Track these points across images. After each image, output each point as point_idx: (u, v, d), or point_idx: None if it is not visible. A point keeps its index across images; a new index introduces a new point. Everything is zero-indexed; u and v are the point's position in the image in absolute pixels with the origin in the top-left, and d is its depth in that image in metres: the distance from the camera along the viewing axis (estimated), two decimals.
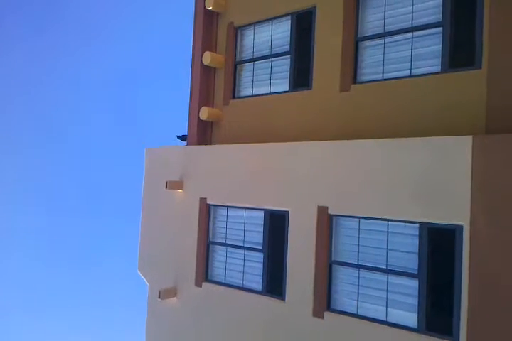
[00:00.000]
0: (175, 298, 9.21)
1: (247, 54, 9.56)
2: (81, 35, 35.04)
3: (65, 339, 29.60)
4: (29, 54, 32.39)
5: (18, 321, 29.10)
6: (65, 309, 30.49)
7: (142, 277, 9.94)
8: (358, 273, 7.03)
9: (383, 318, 6.66)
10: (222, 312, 8.44)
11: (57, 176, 33.86)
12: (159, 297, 9.00)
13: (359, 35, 7.79)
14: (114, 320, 31.72)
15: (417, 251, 6.39)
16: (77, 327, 29.66)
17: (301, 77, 8.56)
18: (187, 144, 9.96)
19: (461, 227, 5.95)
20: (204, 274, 8.98)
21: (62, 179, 33.81)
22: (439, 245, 6.26)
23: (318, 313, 7.16)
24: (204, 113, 9.58)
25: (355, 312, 6.95)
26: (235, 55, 9.71)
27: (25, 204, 32.20)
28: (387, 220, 6.71)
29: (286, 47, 8.81)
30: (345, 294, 7.15)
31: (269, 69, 9.15)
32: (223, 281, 8.74)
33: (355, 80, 7.78)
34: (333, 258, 7.26)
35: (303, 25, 8.57)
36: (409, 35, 7.20)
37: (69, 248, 32.18)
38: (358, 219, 7.07)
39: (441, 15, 6.87)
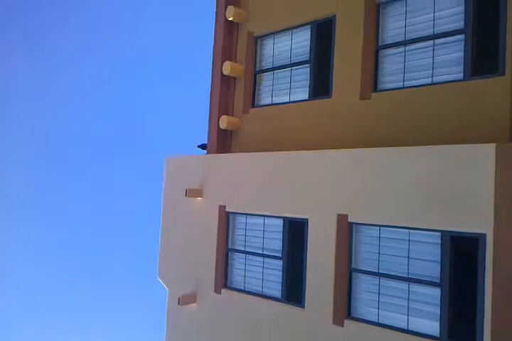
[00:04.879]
0: (194, 305, 9.23)
1: (267, 63, 9.64)
2: (98, 46, 35.57)
3: None
4: (37, 58, 32.90)
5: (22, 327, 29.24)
6: (78, 318, 30.58)
7: (162, 283, 9.99)
8: (379, 282, 6.98)
9: (404, 327, 6.59)
10: (242, 318, 8.42)
11: (74, 186, 34.20)
12: (179, 303, 9.03)
13: (380, 44, 7.81)
14: (132, 326, 31.78)
15: (440, 259, 6.33)
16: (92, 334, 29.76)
17: (320, 86, 8.60)
18: (207, 153, 10.04)
19: (484, 236, 5.88)
20: (223, 281, 8.99)
21: (78, 189, 34.12)
22: (461, 253, 6.20)
23: (338, 321, 7.12)
24: (224, 122, 9.66)
25: (376, 321, 6.89)
26: (255, 64, 9.80)
27: (37, 212, 32.54)
28: (409, 228, 6.67)
29: (306, 56, 8.87)
30: (365, 302, 7.10)
31: (289, 78, 9.21)
32: (242, 288, 8.74)
33: (375, 88, 7.80)
34: (353, 266, 7.23)
35: (323, 33, 8.63)
36: (431, 42, 7.21)
37: (84, 256, 32.39)
38: (378, 228, 7.04)
39: (463, 23, 6.87)
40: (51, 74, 33.42)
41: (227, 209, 9.03)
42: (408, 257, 6.70)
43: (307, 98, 8.79)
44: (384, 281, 6.93)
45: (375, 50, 7.83)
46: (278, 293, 8.14)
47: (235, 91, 10.06)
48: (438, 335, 6.24)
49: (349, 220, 7.22)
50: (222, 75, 9.89)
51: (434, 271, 6.40)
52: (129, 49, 37.69)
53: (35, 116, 34.07)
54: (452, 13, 7.02)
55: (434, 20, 7.18)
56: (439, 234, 6.37)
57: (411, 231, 6.68)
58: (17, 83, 32.04)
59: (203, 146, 10.77)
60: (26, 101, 32.45)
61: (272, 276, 8.34)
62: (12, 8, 31.31)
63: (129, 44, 37.63)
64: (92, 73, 34.91)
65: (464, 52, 6.83)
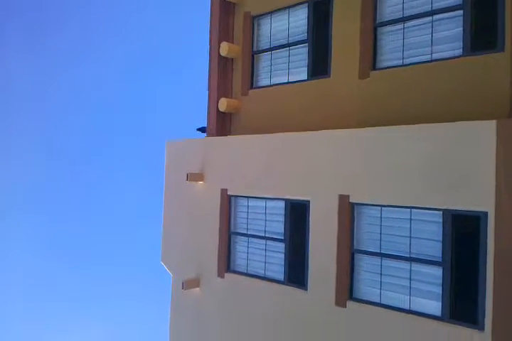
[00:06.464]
0: (198, 289, 9.27)
1: (265, 43, 9.50)
2: (96, 27, 35.13)
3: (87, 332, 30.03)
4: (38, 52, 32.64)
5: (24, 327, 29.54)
6: (83, 307, 30.90)
7: (166, 268, 10.04)
8: (381, 262, 6.96)
9: (406, 307, 6.59)
10: (245, 302, 8.47)
11: (73, 170, 34.25)
12: (182, 287, 9.08)
13: (377, 21, 7.66)
14: (136, 311, 32.15)
15: (441, 238, 6.29)
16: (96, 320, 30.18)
17: (319, 65, 8.48)
18: (207, 136, 9.97)
19: (485, 214, 5.83)
20: (226, 265, 9.00)
21: (78, 173, 34.16)
22: (463, 232, 6.15)
23: (340, 302, 7.13)
24: (223, 104, 9.58)
25: (378, 301, 6.89)
26: (252, 45, 9.66)
27: (37, 203, 32.65)
28: (410, 208, 6.61)
29: (304, 36, 8.72)
30: (367, 283, 7.10)
31: (287, 58, 9.08)
32: (245, 271, 8.75)
33: (374, 67, 7.68)
34: (355, 247, 7.20)
35: (320, 12, 8.47)
36: (429, 19, 7.06)
37: (80, 245, 32.60)
38: (379, 208, 6.99)
39: None
40: (51, 74, 33.26)
41: (228, 193, 9.00)
42: (410, 237, 6.66)
43: (306, 78, 8.68)
44: (386, 261, 6.91)
45: (373, 27, 7.68)
46: (281, 276, 8.14)
47: (233, 73, 9.94)
48: (440, 315, 6.23)
49: (350, 201, 7.17)
50: (220, 57, 9.77)
51: (435, 250, 6.37)
52: (127, 31, 37.28)
53: (35, 116, 34.08)
54: None
55: None
56: (440, 212, 6.32)
57: (412, 210, 6.63)
58: (17, 83, 31.95)
59: (202, 129, 10.70)
60: (26, 101, 32.38)
61: (274, 259, 8.34)
62: (12, 7, 31.05)
63: (126, 26, 37.19)
64: (92, 70, 34.60)
65: (463, 28, 6.69)
